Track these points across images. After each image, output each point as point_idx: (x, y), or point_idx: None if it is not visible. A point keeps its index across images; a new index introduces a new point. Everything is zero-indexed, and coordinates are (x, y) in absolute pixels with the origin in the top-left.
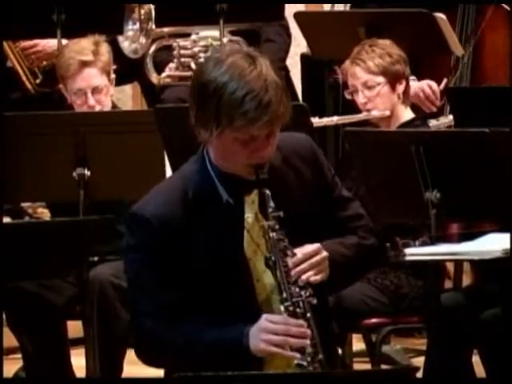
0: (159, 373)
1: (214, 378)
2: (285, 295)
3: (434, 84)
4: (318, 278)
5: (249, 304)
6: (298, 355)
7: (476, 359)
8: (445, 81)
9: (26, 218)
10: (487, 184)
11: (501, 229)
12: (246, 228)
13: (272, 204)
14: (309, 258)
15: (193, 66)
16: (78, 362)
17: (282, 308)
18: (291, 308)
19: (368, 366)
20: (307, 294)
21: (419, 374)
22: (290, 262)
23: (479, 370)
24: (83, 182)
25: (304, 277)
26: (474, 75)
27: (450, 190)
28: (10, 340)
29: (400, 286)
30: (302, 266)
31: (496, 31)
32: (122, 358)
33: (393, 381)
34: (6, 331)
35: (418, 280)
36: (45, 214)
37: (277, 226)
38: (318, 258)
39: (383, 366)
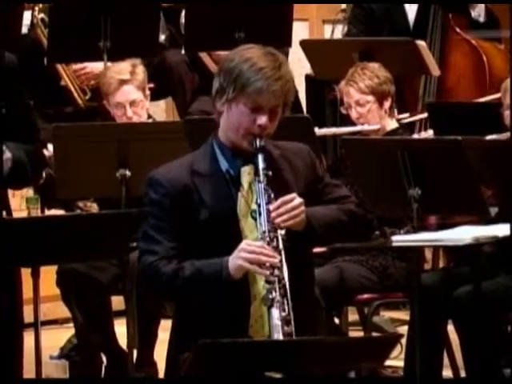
0: None
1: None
2: (263, 229)
3: None
4: (293, 220)
5: None
6: (267, 272)
7: (450, 328)
8: None
9: (78, 211)
10: (459, 183)
11: (473, 222)
12: (241, 193)
13: (264, 165)
14: (286, 203)
15: None
16: (121, 330)
17: (260, 236)
18: (267, 239)
19: (361, 334)
20: (282, 233)
21: (403, 340)
22: (271, 207)
23: (453, 337)
24: (124, 180)
25: (280, 219)
26: (438, 92)
27: (429, 188)
28: (64, 312)
29: (387, 267)
30: (280, 210)
31: (457, 55)
32: (157, 326)
33: (382, 345)
34: (61, 304)
35: (402, 262)
36: (93, 207)
37: (265, 181)
38: (293, 203)
39: (374, 334)
